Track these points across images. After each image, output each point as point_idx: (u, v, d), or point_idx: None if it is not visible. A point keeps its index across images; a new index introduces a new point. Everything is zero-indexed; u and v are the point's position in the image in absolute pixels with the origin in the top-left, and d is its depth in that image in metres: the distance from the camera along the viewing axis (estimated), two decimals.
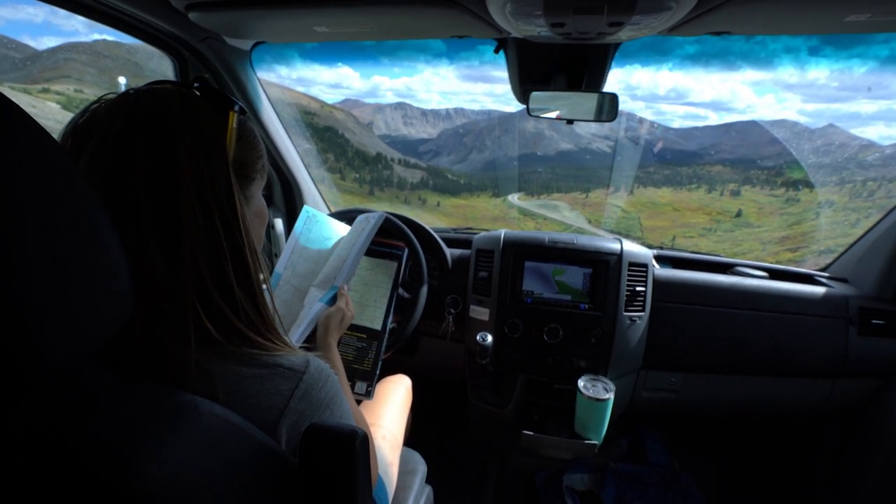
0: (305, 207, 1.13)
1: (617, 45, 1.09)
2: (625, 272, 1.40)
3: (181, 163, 0.48)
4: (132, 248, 0.46)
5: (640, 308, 1.41)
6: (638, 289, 1.40)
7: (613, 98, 1.14)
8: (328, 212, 1.42)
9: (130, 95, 0.50)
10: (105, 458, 0.35)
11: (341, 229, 1.17)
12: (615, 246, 1.43)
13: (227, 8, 0.94)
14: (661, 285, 1.45)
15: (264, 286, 0.57)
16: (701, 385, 1.48)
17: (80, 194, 0.36)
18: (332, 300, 0.99)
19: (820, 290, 1.44)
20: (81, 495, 0.35)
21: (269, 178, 1.68)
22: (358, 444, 0.47)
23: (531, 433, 1.34)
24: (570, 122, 1.21)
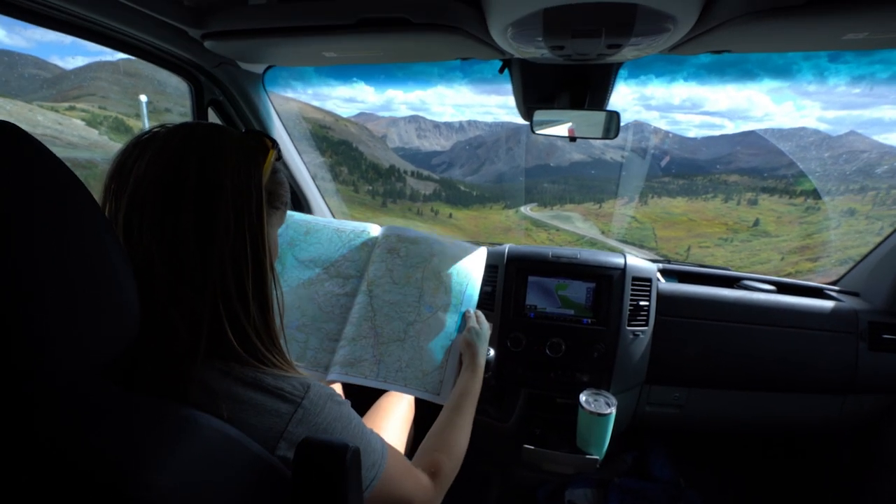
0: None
1: (620, 64, 1.11)
2: (628, 286, 1.41)
3: (227, 172, 0.54)
4: (168, 243, 0.51)
5: (643, 322, 1.41)
6: (641, 303, 1.40)
7: (616, 116, 1.16)
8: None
9: (190, 123, 0.58)
10: (107, 469, 0.37)
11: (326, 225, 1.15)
12: (619, 260, 1.44)
13: (240, 37, 1.00)
14: (664, 299, 1.45)
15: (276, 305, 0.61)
16: (706, 400, 1.47)
17: (90, 220, 0.39)
18: (462, 325, 1.03)
19: (829, 304, 1.42)
20: None
21: None
22: (349, 458, 0.48)
23: (532, 447, 1.34)
24: (573, 139, 1.24)
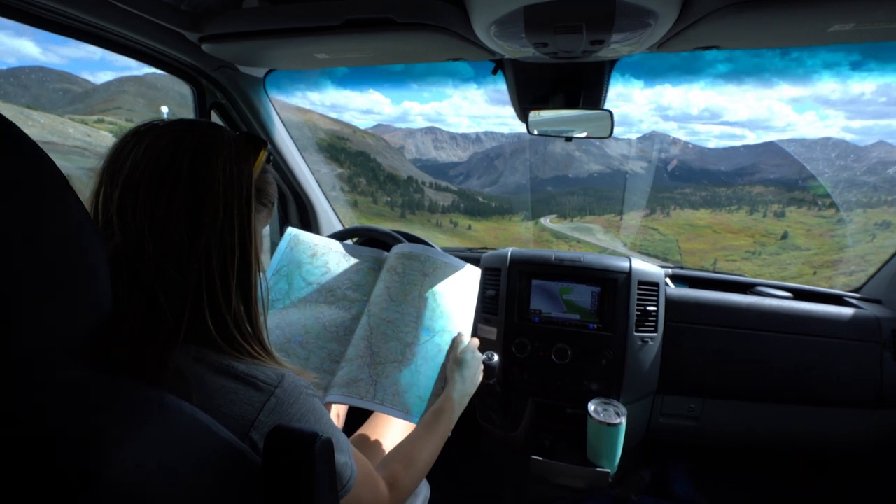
0: (289, 230, 1.12)
1: (613, 63, 1.09)
2: (634, 291, 1.36)
3: (220, 164, 0.56)
4: (159, 224, 0.53)
5: (652, 328, 1.36)
6: (649, 308, 1.36)
7: (610, 115, 1.14)
8: (341, 230, 1.44)
9: (188, 119, 0.61)
10: (67, 446, 0.37)
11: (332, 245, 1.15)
12: (623, 264, 1.40)
13: (234, 40, 1.01)
14: (674, 305, 1.40)
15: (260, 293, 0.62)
16: (723, 412, 1.41)
17: (67, 204, 0.39)
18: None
19: (848, 311, 1.35)
20: (49, 484, 0.36)
21: (284, 196, 1.75)
22: (318, 447, 0.48)
23: (540, 459, 1.30)
24: (569, 139, 1.22)
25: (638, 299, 1.36)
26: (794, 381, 1.34)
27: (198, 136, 0.57)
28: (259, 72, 1.31)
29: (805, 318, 1.34)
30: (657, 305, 1.37)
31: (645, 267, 1.41)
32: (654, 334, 1.36)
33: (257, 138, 0.64)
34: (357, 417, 1.06)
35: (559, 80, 1.15)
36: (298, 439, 0.48)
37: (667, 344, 1.37)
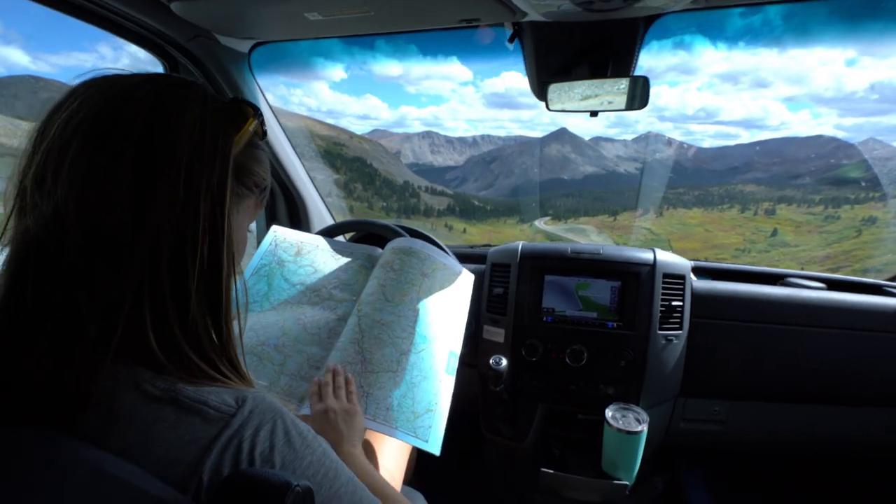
0: (273, 228, 1.03)
1: (649, 21, 0.96)
2: (659, 285, 1.24)
3: (186, 126, 0.43)
4: (91, 199, 0.39)
5: (676, 325, 1.24)
6: (674, 303, 1.24)
7: (644, 82, 1.01)
8: (331, 224, 1.31)
9: (152, 73, 0.47)
10: None
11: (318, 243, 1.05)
12: (647, 256, 1.28)
13: None
14: (700, 299, 1.28)
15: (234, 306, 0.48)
16: (750, 415, 1.29)
17: None
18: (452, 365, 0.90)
19: (891, 301, 1.24)
20: None
21: (273, 192, 1.61)
22: (291, 502, 0.34)
23: (551, 471, 1.17)
24: (594, 114, 1.09)
25: (663, 294, 1.24)
26: (832, 380, 1.23)
27: (159, 88, 0.44)
28: (243, 45, 1.17)
29: (846, 310, 1.23)
30: (683, 300, 1.25)
31: (671, 258, 1.29)
32: (679, 332, 1.24)
33: (247, 104, 0.51)
34: None
35: (584, 47, 1.03)
36: (263, 492, 0.35)
37: (691, 342, 1.26)
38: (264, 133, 0.54)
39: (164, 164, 0.41)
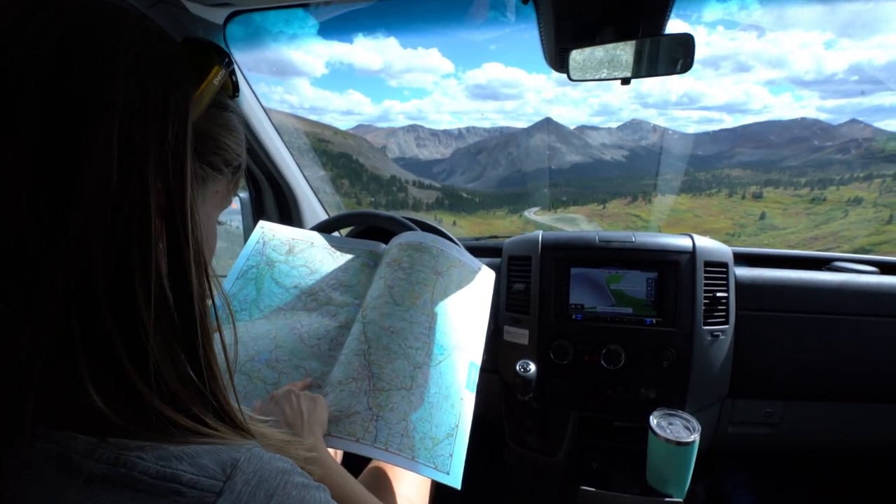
0: (260, 224, 0.90)
1: None
2: (700, 274, 1.11)
3: (119, 76, 0.28)
4: None
5: (722, 319, 1.11)
6: (719, 295, 1.10)
7: (687, 40, 0.86)
8: (327, 218, 1.16)
9: None
10: None
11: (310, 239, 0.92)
12: (685, 242, 1.14)
13: None
14: (745, 289, 1.15)
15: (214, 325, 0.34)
16: (808, 416, 1.17)
17: None
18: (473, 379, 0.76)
19: None
20: None
21: (258, 185, 1.45)
22: None
23: (591, 489, 1.04)
24: (626, 81, 0.94)
25: (706, 285, 1.11)
26: None
27: (76, 17, 0.28)
28: (216, 14, 1.00)
29: None
30: (727, 291, 1.12)
31: (711, 244, 1.15)
32: (726, 326, 1.11)
33: (209, 44, 0.37)
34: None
35: (610, 5, 0.87)
36: None
37: (739, 337, 1.13)
38: (236, 89, 0.39)
39: (83, 130, 0.26)
